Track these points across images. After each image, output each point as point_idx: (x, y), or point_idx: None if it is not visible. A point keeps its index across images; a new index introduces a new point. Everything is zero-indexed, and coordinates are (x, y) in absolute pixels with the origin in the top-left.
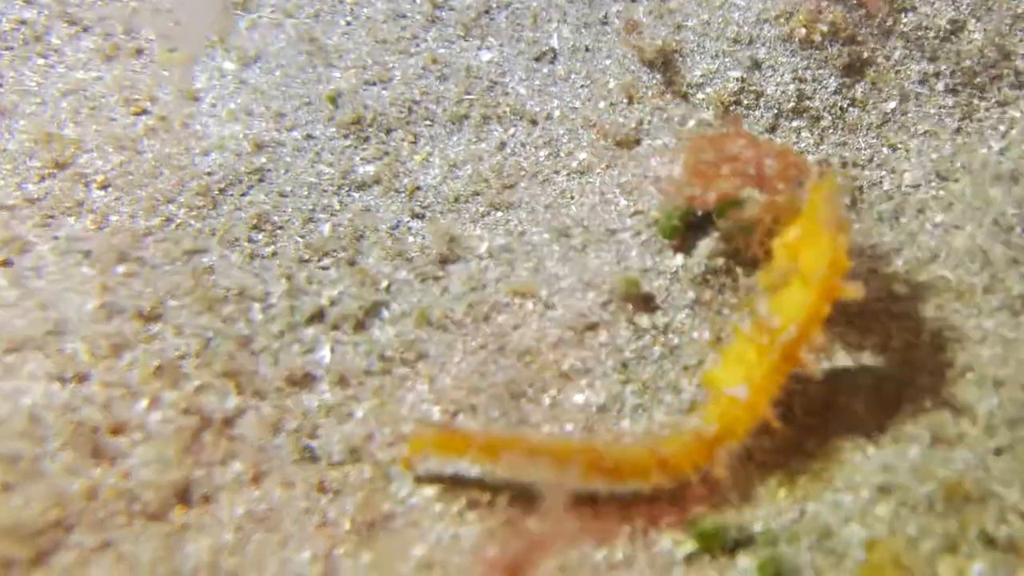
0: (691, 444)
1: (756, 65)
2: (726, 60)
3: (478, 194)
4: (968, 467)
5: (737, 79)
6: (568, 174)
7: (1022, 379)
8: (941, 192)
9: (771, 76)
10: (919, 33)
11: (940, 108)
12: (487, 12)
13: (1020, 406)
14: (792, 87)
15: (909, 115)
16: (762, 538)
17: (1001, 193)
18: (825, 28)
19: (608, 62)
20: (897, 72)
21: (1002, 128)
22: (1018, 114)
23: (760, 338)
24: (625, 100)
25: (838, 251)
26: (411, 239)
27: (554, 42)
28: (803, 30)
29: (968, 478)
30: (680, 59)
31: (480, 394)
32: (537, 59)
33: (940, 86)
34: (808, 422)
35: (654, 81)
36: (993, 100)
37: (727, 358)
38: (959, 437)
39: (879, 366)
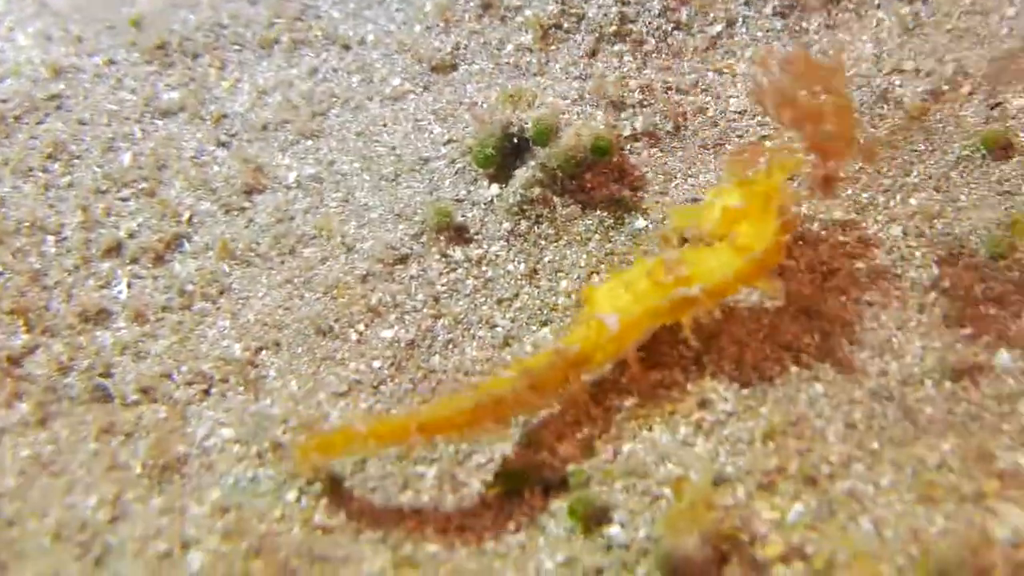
0: (550, 366)
1: None
2: None
3: (287, 122)
4: (793, 404)
5: (557, 1)
6: (382, 100)
7: None
8: (767, 119)
9: None
10: None
11: (768, 32)
12: None
13: None
14: (614, 10)
15: (736, 39)
16: (574, 479)
17: None
18: None
19: None
20: None
21: (831, 53)
22: (847, 37)
23: (659, 276)
24: (441, 23)
25: (777, 244)
26: (216, 169)
27: None
28: None
29: (792, 415)
30: None
31: (284, 330)
32: None
33: (768, 9)
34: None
35: (471, 4)
36: (822, 23)
37: (614, 281)
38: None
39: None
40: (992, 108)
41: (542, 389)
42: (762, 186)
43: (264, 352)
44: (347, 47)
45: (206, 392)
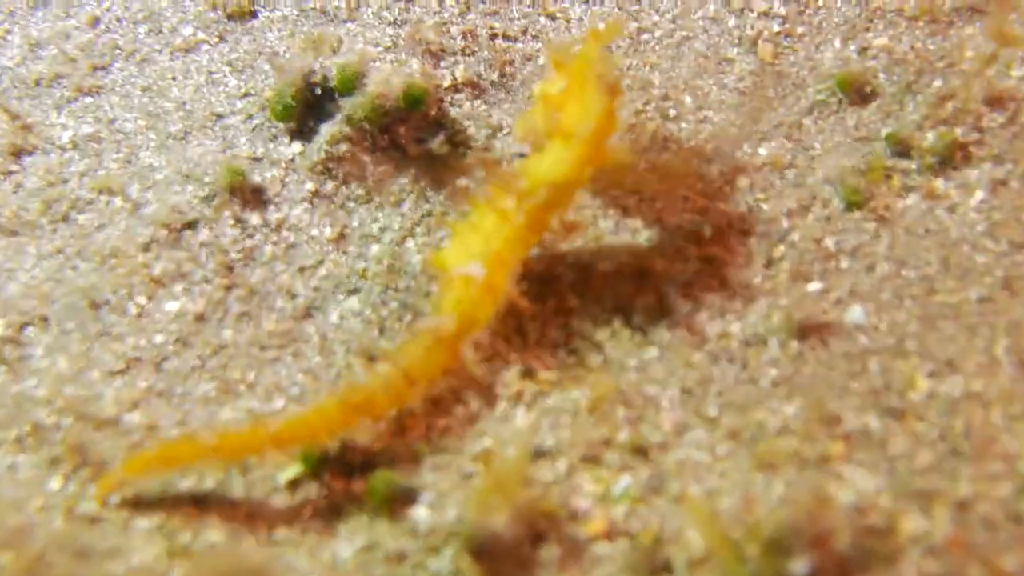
0: (431, 347)
1: None
2: None
3: (63, 77)
4: (623, 370)
5: None
6: (172, 52)
7: None
8: None
9: None
10: None
11: None
12: None
13: None
14: None
15: None
16: (380, 459)
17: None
18: None
19: None
20: None
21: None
22: None
23: (502, 202)
24: None
25: (606, 112)
26: None
27: None
28: None
29: (622, 382)
30: None
31: (53, 304)
32: None
33: None
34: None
35: None
36: None
37: (457, 234)
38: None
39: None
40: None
41: (425, 377)
42: (576, 62)
43: (29, 328)
44: None
45: None
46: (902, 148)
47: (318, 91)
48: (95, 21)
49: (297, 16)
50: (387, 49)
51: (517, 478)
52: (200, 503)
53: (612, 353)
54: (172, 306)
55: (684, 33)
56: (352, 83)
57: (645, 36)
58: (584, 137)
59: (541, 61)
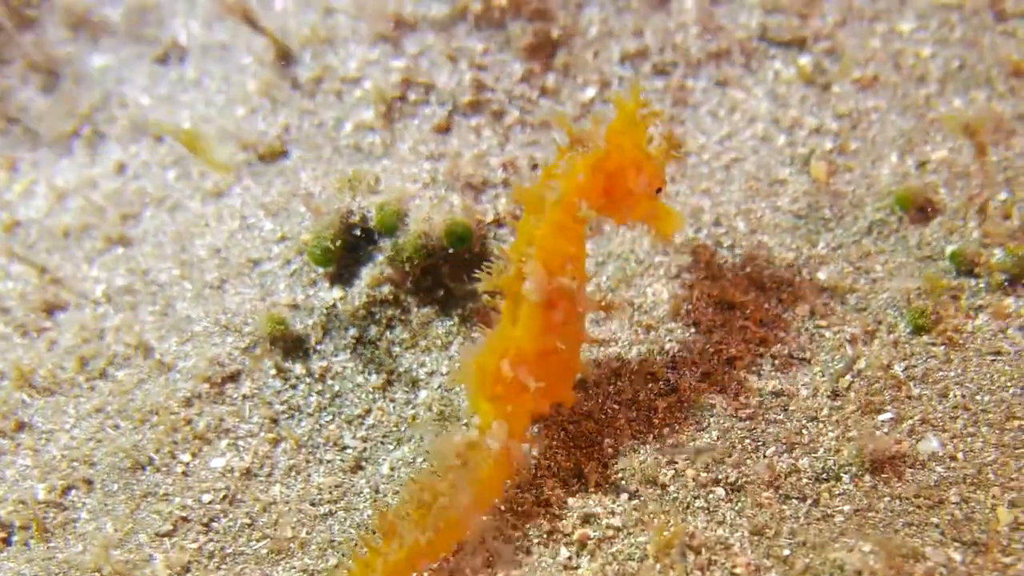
0: (493, 463)
1: (423, 51)
2: (386, 46)
3: (92, 227)
4: (690, 513)
5: (400, 69)
6: (203, 197)
7: None
8: None
9: (442, 64)
10: (620, 3)
11: (648, 93)
12: (98, 7)
13: None
14: (468, 76)
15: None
16: None
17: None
18: (504, 1)
19: (248, 60)
20: (596, 53)
21: (722, 112)
22: (740, 94)
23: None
24: (268, 103)
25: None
26: (9, 284)
27: (182, 39)
28: (478, 5)
29: (689, 526)
30: (332, 48)
31: (96, 465)
32: (162, 61)
33: (647, 67)
34: None
35: (302, 77)
36: (710, 81)
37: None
38: None
39: None
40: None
41: (493, 490)
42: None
43: (72, 492)
44: (160, 138)
45: (5, 541)
46: (968, 266)
47: (357, 232)
48: (122, 168)
49: (330, 153)
50: (426, 185)
51: None
52: None
53: (677, 494)
54: (218, 463)
55: (733, 155)
56: (392, 223)
57: (692, 159)
58: (591, 155)
59: None
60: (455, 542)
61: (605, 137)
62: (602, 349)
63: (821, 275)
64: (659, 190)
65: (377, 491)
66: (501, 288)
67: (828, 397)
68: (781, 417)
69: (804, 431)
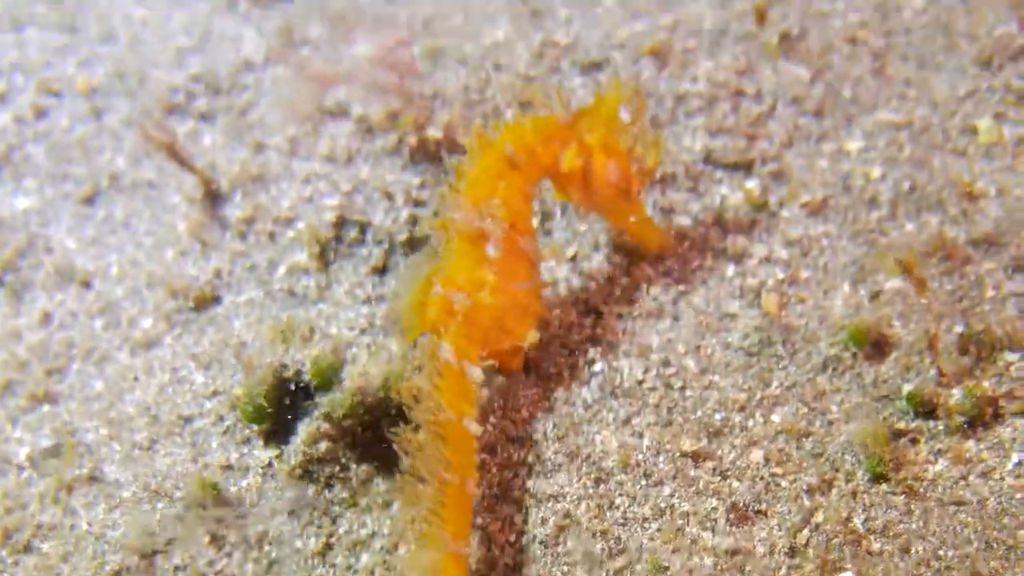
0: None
1: (359, 187)
2: (319, 183)
3: (16, 384)
4: None
5: (334, 207)
6: (132, 347)
7: None
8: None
9: (378, 200)
10: None
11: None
12: (20, 145)
13: None
14: (405, 213)
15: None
16: None
17: None
18: (440, 133)
19: (177, 198)
20: None
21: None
22: (687, 220)
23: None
24: (198, 245)
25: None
26: None
27: (109, 177)
28: (412, 138)
29: None
30: (263, 186)
31: None
32: (88, 201)
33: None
34: None
35: (233, 217)
36: (655, 206)
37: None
38: None
39: None
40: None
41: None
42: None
43: None
44: (87, 284)
45: None
46: (927, 407)
47: (291, 387)
48: (47, 317)
49: (264, 298)
50: (363, 331)
51: None
52: None
53: None
54: None
55: (681, 288)
56: (328, 377)
57: (639, 293)
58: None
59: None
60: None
61: (574, 113)
62: (549, 505)
63: (775, 417)
64: (638, 192)
65: None
66: (442, 228)
67: (786, 555)
68: None
69: None
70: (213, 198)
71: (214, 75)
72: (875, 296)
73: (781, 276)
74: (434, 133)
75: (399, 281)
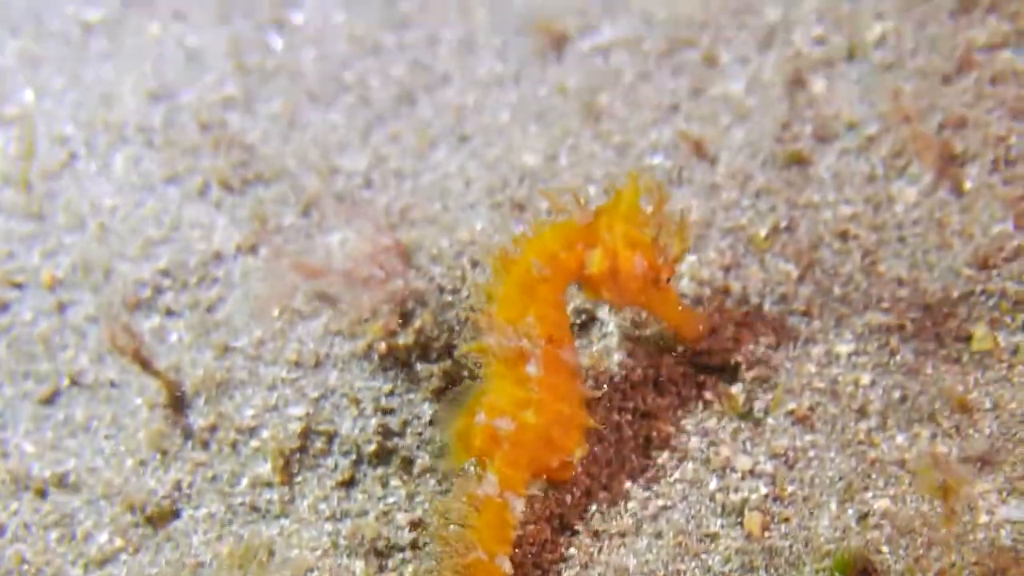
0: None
1: (326, 394)
2: (286, 390)
3: None
4: None
5: (300, 416)
6: (86, 564)
7: None
8: None
9: (346, 408)
10: None
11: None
12: None
13: None
14: (374, 422)
15: None
16: None
17: None
18: (411, 339)
19: (139, 400)
20: None
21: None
22: (670, 428)
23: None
24: (158, 455)
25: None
26: None
27: (70, 377)
28: (383, 344)
29: None
30: (227, 392)
31: None
32: (48, 401)
33: None
34: None
35: (195, 423)
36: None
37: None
38: None
39: None
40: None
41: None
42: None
43: None
44: (42, 493)
45: None
46: None
47: None
48: (0, 529)
49: (224, 512)
50: (326, 552)
51: None
52: None
53: None
54: None
55: (661, 502)
56: None
57: (617, 507)
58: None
59: None
60: None
61: (593, 213)
62: None
63: None
64: (668, 279)
65: None
66: (479, 352)
67: None
68: None
69: None
70: (176, 404)
71: (182, 268)
72: (863, 518)
73: (765, 491)
74: (405, 339)
75: (442, 410)
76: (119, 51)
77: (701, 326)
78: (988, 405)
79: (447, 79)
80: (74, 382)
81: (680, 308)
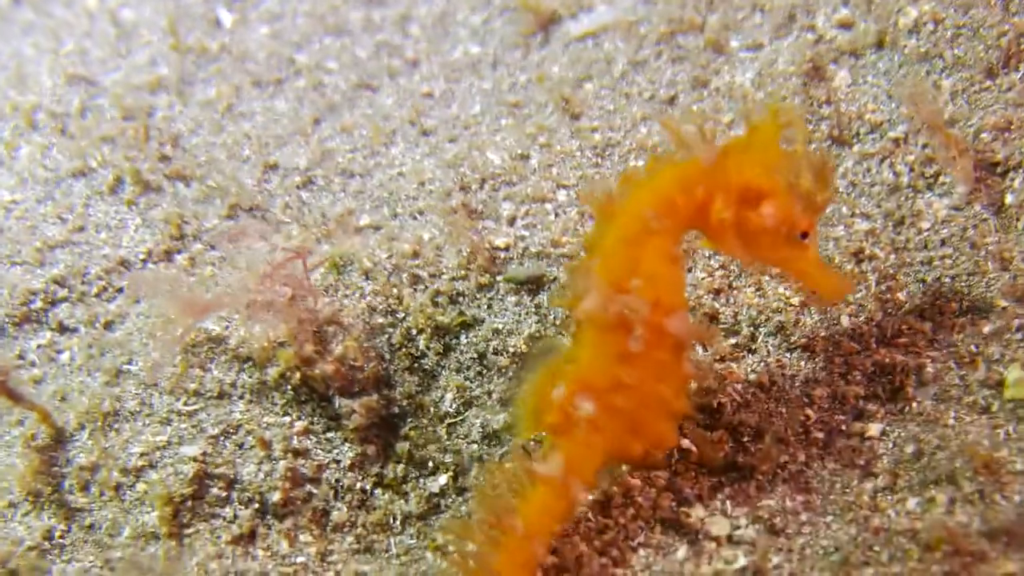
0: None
1: (227, 432)
2: (180, 425)
3: None
4: None
5: (196, 457)
6: None
7: None
8: None
9: (250, 448)
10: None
11: None
12: None
13: None
14: (282, 466)
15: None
16: None
17: None
18: (330, 369)
19: (16, 432)
20: (448, 431)
21: None
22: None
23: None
24: (29, 500)
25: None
26: None
27: None
28: (297, 374)
29: None
30: (116, 425)
31: None
32: None
33: None
34: None
35: (76, 463)
36: None
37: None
38: None
39: None
40: None
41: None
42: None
43: None
44: None
45: None
46: None
47: None
48: None
49: (101, 571)
50: None
51: None
52: None
53: None
54: None
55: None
56: None
57: None
58: None
59: None
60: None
61: (720, 150)
62: None
63: None
64: (805, 235)
65: None
66: (570, 307)
67: None
68: None
69: None
70: (55, 439)
71: (81, 277)
72: None
73: (743, 563)
74: (323, 368)
75: (523, 371)
76: (44, 25)
77: (843, 287)
78: (1020, 466)
79: (415, 64)
80: None
81: (819, 267)
